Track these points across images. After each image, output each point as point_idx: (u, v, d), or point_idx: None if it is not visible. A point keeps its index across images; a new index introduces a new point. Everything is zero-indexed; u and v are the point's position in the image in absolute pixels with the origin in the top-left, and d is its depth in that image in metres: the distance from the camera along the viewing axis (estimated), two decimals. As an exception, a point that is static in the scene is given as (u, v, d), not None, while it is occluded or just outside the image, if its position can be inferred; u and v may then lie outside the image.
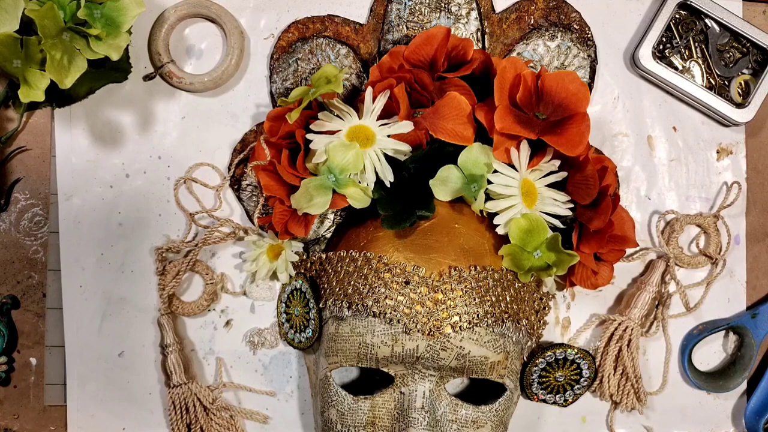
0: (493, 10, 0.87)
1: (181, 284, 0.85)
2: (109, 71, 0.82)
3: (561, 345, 0.81)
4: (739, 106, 0.87)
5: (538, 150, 0.77)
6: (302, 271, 0.82)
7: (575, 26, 0.87)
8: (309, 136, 0.77)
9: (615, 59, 0.89)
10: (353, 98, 0.83)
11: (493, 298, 0.75)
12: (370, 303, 0.74)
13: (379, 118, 0.77)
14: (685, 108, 0.89)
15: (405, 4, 0.85)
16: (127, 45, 0.77)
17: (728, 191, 0.89)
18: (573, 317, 0.88)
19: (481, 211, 0.77)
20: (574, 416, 0.88)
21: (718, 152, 0.90)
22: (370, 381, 0.83)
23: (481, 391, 0.82)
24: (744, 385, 0.89)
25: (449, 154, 0.77)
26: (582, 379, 0.83)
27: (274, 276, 0.83)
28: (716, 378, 0.89)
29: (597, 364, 0.85)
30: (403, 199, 0.77)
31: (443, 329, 0.74)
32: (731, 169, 0.90)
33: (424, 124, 0.76)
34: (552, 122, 0.76)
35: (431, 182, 0.76)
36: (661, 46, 0.88)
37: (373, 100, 0.77)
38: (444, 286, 0.74)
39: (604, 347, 0.86)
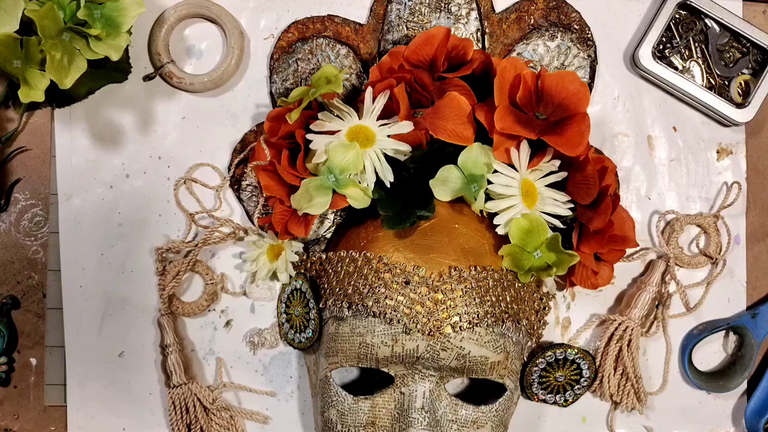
0: (493, 10, 0.87)
1: (181, 284, 0.85)
2: (109, 71, 0.82)
3: (561, 345, 0.81)
4: (739, 106, 0.87)
5: (538, 150, 0.77)
6: (302, 271, 0.82)
7: (575, 26, 0.87)
8: (309, 136, 0.77)
9: (615, 59, 0.88)
10: (353, 98, 0.83)
11: (493, 298, 0.75)
12: (370, 303, 0.74)
13: (379, 118, 0.77)
14: (685, 108, 0.89)
15: (405, 4, 0.85)
16: (127, 45, 0.77)
17: (728, 191, 0.89)
18: (573, 317, 0.88)
19: (481, 211, 0.77)
20: (574, 416, 0.88)
21: (718, 152, 0.90)
22: (370, 381, 0.83)
23: (481, 391, 0.82)
24: (744, 385, 0.89)
25: (449, 154, 0.77)
26: (582, 379, 0.83)
27: (274, 276, 0.83)
28: (716, 378, 0.89)
29: (597, 364, 0.85)
30: (403, 199, 0.77)
31: (443, 329, 0.74)
32: (731, 169, 0.90)
33: (424, 124, 0.76)
34: (552, 122, 0.76)
35: (431, 182, 0.76)
36: (661, 46, 0.88)
37: (373, 100, 0.77)
38: (444, 286, 0.74)
39: (604, 347, 0.86)
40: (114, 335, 0.84)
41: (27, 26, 0.74)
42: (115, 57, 0.75)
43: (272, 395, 0.86)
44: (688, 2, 0.86)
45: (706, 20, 0.88)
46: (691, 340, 0.88)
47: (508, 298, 0.76)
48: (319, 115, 0.77)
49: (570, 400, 0.84)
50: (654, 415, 0.89)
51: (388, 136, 0.77)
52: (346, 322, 0.76)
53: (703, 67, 0.88)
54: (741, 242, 0.90)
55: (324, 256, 0.81)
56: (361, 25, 0.86)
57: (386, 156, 0.77)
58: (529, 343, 0.81)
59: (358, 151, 0.76)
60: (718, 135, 0.90)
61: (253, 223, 0.84)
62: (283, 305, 0.84)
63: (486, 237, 0.78)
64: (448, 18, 0.85)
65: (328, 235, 0.84)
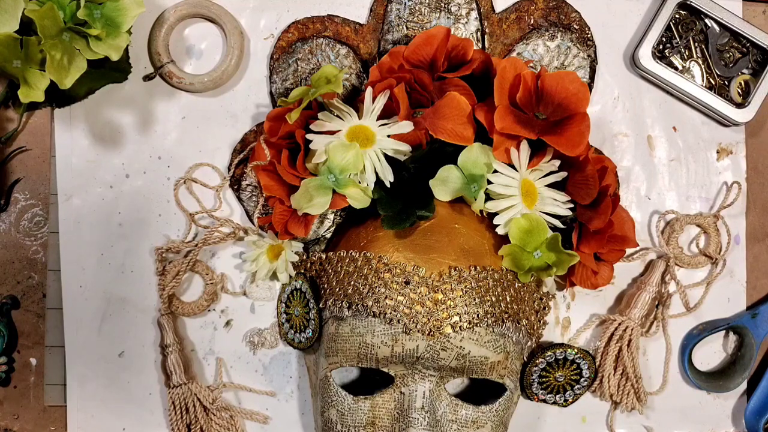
0: (493, 10, 0.87)
1: (181, 284, 0.85)
2: (109, 71, 0.82)
3: (561, 345, 0.81)
4: (739, 106, 0.87)
5: (538, 150, 0.77)
6: (302, 271, 0.82)
7: (575, 26, 0.87)
8: (309, 136, 0.77)
9: (615, 59, 0.89)
10: (353, 98, 0.83)
11: (493, 298, 0.75)
12: (370, 303, 0.74)
13: (379, 118, 0.77)
14: (685, 108, 0.89)
15: (405, 4, 0.85)
16: (127, 45, 0.77)
17: (728, 191, 0.89)
18: (573, 317, 0.88)
19: (481, 211, 0.77)
20: (574, 416, 0.88)
21: (718, 152, 0.90)
22: (370, 381, 0.83)
23: (481, 391, 0.82)
24: (744, 385, 0.89)
25: (449, 154, 0.77)
26: (582, 379, 0.83)
27: (274, 276, 0.83)
28: (716, 378, 0.89)
29: (597, 364, 0.85)
30: (403, 199, 0.77)
31: (443, 329, 0.74)
32: (731, 169, 0.90)
33: (424, 124, 0.76)
34: (552, 122, 0.76)
35: (431, 182, 0.76)
36: (661, 46, 0.88)
37: (373, 100, 0.77)
38: (444, 286, 0.74)
39: (604, 347, 0.86)
40: (114, 335, 0.84)
41: (27, 26, 0.74)
42: (115, 57, 0.75)
43: (272, 395, 0.86)
44: (688, 2, 0.86)
45: (706, 20, 0.88)
46: (691, 340, 0.88)
47: (508, 298, 0.76)
48: (319, 115, 0.77)
49: (570, 400, 0.84)
50: (654, 415, 0.89)
51: (388, 136, 0.77)
52: (346, 322, 0.76)
53: (703, 67, 0.88)
54: (741, 242, 0.90)
55: (324, 256, 0.81)
56: (361, 25, 0.86)
57: (386, 156, 0.77)
58: (529, 343, 0.81)
59: (358, 151, 0.76)
60: (718, 135, 0.90)
61: (253, 223, 0.84)
62: (283, 305, 0.84)
63: (486, 237, 0.78)
64: (448, 18, 0.85)
65: (328, 235, 0.84)
